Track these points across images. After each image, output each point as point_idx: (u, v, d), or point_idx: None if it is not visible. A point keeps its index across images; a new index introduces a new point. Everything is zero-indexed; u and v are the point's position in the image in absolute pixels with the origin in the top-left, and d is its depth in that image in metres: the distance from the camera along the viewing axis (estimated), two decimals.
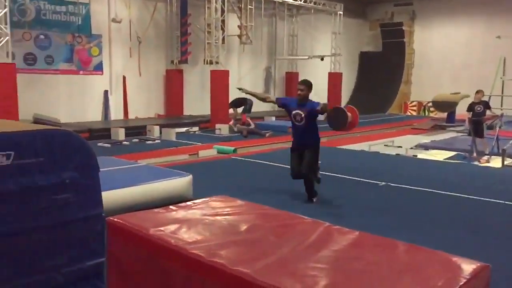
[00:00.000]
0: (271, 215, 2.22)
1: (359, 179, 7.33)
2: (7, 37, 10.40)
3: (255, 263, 1.60)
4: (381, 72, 22.56)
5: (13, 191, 2.79)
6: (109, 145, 10.40)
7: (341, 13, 18.45)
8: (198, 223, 2.03)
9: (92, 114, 13.85)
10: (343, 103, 18.97)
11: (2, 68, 10.27)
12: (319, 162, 5.89)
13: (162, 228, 1.90)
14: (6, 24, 10.44)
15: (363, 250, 1.89)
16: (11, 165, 2.78)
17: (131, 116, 14.67)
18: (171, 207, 2.35)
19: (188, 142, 11.20)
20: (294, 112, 5.42)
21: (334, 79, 18.70)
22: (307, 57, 18.47)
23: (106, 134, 11.66)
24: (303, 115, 5.35)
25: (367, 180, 7.24)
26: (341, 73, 18.87)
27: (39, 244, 2.92)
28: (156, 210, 2.32)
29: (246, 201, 2.42)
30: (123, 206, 4.69)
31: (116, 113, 14.39)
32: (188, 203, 2.42)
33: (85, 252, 3.14)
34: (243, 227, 2.01)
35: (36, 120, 11.03)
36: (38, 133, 2.98)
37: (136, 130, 12.48)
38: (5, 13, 10.42)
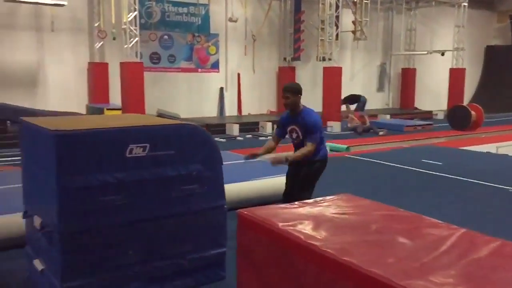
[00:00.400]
0: (401, 216, 2.11)
1: (483, 182, 6.76)
2: (137, 38, 11.28)
3: (391, 265, 1.53)
4: (510, 68, 20.61)
5: (147, 180, 3.01)
6: (224, 140, 10.82)
7: (466, 4, 17.16)
8: (326, 220, 2.00)
9: (209, 110, 14.52)
10: (465, 101, 17.67)
11: (132, 66, 11.18)
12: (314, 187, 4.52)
13: (291, 223, 1.91)
14: (135, 26, 11.33)
15: (508, 260, 1.71)
16: (146, 156, 2.99)
17: (244, 112, 15.11)
18: (296, 203, 2.36)
19: None
20: (289, 128, 4.30)
21: (456, 75, 17.48)
22: (425, 52, 17.50)
23: (222, 129, 12.14)
24: (299, 132, 4.19)
25: (492, 185, 6.65)
26: (464, 69, 17.58)
27: (167, 231, 3.12)
28: (282, 205, 2.34)
29: (372, 201, 2.34)
30: (239, 200, 4.84)
31: (230, 109, 14.93)
32: (312, 200, 2.40)
33: (208, 241, 3.30)
34: (373, 227, 1.93)
35: (159, 115, 11.82)
36: (170, 127, 3.17)
37: (249, 126, 12.81)
38: (135, 16, 11.31)
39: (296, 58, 15.59)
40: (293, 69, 15.68)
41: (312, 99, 15.66)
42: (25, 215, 3.29)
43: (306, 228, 1.84)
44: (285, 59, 15.68)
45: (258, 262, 1.97)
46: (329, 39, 13.95)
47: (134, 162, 2.96)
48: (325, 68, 14.08)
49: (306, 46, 15.64)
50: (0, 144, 9.21)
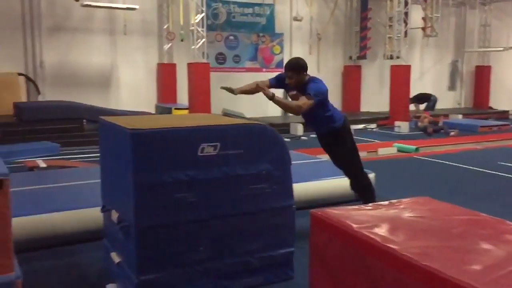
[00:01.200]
0: (483, 221, 2.00)
1: None
2: (204, 39, 11.54)
3: (478, 273, 1.45)
4: None
5: (218, 179, 3.06)
6: (288, 140, 10.81)
7: None
8: (403, 223, 1.94)
9: (273, 110, 14.53)
10: None
11: (199, 67, 11.44)
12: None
13: (366, 226, 1.86)
14: (203, 27, 11.58)
15: None
16: (217, 155, 3.05)
17: None
18: (369, 205, 2.30)
19: (366, 139, 10.99)
20: (291, 93, 3.98)
21: None
22: (501, 48, 16.54)
23: (286, 129, 12.14)
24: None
25: None
26: None
27: (237, 229, 3.15)
28: (355, 206, 2.30)
29: (451, 204, 2.23)
30: (306, 200, 4.81)
31: None
32: (386, 202, 2.34)
33: (277, 240, 3.30)
34: (454, 231, 1.85)
35: (225, 114, 12.01)
36: (240, 127, 3.21)
37: None
38: (202, 17, 11.57)
39: (362, 57, 15.28)
40: (359, 68, 15.38)
41: (379, 99, 15.35)
42: (103, 209, 3.46)
43: (382, 231, 1.79)
44: (350, 57, 15.41)
45: (332, 264, 1.94)
46: (397, 36, 13.54)
47: (205, 160, 3.02)
48: (392, 67, 13.68)
49: (373, 44, 15.27)
50: (77, 141, 9.73)
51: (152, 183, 2.90)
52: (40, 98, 11.60)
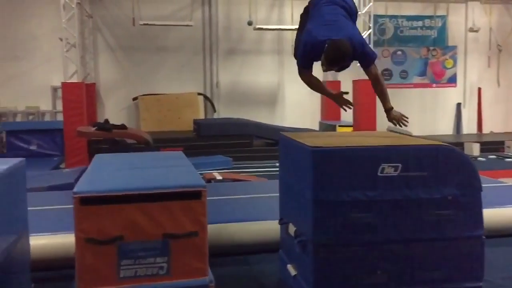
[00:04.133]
0: None
1: None
2: None
3: None
4: None
5: (398, 201, 2.93)
6: None
7: None
8: None
9: (444, 128, 13.62)
10: None
11: (364, 84, 11.19)
12: None
13: None
14: (369, 43, 11.42)
15: None
16: (398, 176, 2.93)
17: (485, 130, 13.68)
18: None
19: None
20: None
21: None
22: None
23: (459, 148, 11.22)
24: None
25: None
26: None
27: (417, 255, 2.97)
28: None
29: None
30: (490, 228, 4.34)
31: (468, 127, 13.70)
32: None
33: (462, 272, 3.02)
34: None
35: (391, 132, 11.60)
36: (423, 148, 3.04)
37: (492, 145, 11.52)
38: (369, 33, 11.41)
39: None
40: None
41: None
42: (281, 222, 3.57)
43: None
44: None
45: None
46: None
47: (385, 181, 2.92)
48: None
49: None
50: (247, 156, 10.35)
51: (330, 201, 2.90)
52: (215, 116, 12.67)
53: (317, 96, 13.25)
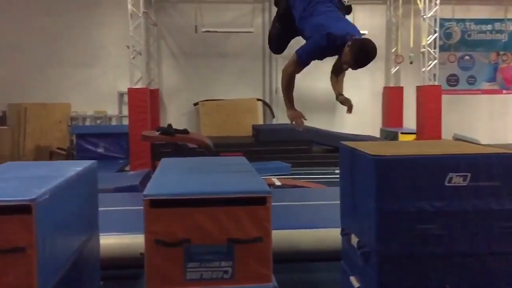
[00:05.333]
0: None
1: None
2: (435, 61, 10.99)
3: None
4: None
5: (467, 212, 2.82)
6: None
7: None
8: None
9: None
10: None
11: (429, 90, 10.93)
12: None
13: None
14: (434, 48, 11.06)
15: None
16: (467, 186, 2.82)
17: None
18: None
19: None
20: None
21: None
22: None
23: None
24: None
25: None
26: None
27: (488, 269, 2.85)
28: None
29: None
30: None
31: None
32: None
33: None
34: None
35: (456, 140, 11.17)
36: (494, 156, 2.91)
37: None
38: (435, 38, 11.05)
39: None
40: None
41: None
42: (342, 232, 3.54)
43: None
44: None
45: None
46: None
47: (453, 191, 2.82)
48: None
49: None
50: (305, 162, 10.31)
51: (395, 212, 2.84)
52: (274, 121, 12.72)
53: (378, 102, 13.01)
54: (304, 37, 3.29)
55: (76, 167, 3.17)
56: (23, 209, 2.21)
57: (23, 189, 2.43)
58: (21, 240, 2.20)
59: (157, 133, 8.01)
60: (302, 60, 3.09)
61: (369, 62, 3.03)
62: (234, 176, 2.91)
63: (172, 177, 2.89)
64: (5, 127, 11.69)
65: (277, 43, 3.58)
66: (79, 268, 3.04)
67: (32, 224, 2.21)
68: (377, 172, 2.85)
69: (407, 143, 4.18)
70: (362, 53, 2.96)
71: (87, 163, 3.38)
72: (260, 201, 2.44)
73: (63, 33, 11.95)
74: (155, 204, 2.37)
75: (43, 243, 2.29)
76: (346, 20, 3.16)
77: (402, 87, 12.66)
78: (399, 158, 2.91)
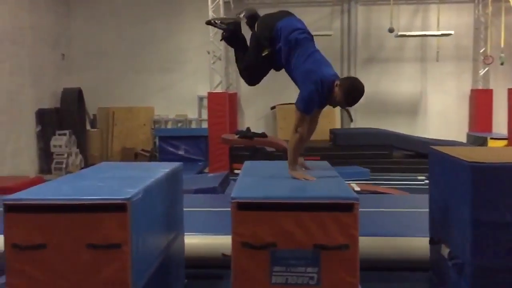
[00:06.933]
0: None
1: None
2: None
3: None
4: None
5: None
6: None
7: None
8: None
9: None
10: None
11: None
12: None
13: None
14: None
15: None
16: None
17: None
18: None
19: None
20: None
21: None
22: None
23: None
24: None
25: None
26: None
27: None
28: None
29: None
30: None
31: None
32: None
33: None
34: None
35: None
36: None
37: None
38: None
39: None
40: None
41: None
42: (432, 242, 3.36)
43: None
44: None
45: None
46: None
47: None
48: None
49: None
50: (385, 168, 9.99)
51: (492, 222, 2.67)
52: (352, 125, 12.47)
53: (464, 106, 12.32)
54: (291, 75, 3.36)
55: (164, 168, 3.28)
56: (118, 208, 2.32)
57: (118, 189, 2.55)
58: (117, 237, 2.30)
59: (236, 137, 8.12)
60: (307, 112, 3.11)
61: (359, 100, 3.09)
62: (319, 181, 2.86)
63: (258, 180, 2.90)
64: (95, 130, 12.47)
65: (257, 74, 3.48)
66: (167, 266, 3.15)
67: (127, 221, 2.31)
68: (474, 180, 2.69)
69: (501, 150, 3.90)
70: (354, 91, 3.03)
71: (173, 165, 3.49)
72: (347, 207, 2.38)
73: (147, 41, 12.52)
74: (242, 206, 2.38)
75: (136, 240, 2.38)
76: (329, 62, 3.24)
77: (491, 90, 11.89)
78: (498, 165, 2.72)
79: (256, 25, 3.39)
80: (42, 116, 10.63)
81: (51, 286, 2.33)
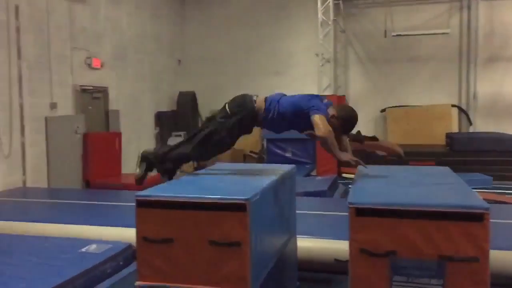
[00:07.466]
0: None
1: None
2: None
3: None
4: None
5: None
6: None
7: None
8: None
9: None
10: None
11: None
12: None
13: None
14: None
15: None
16: None
17: None
18: None
19: None
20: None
21: None
22: None
23: None
24: None
25: None
26: None
27: None
28: None
29: None
30: None
31: None
32: None
33: None
34: None
35: None
36: None
37: None
38: None
39: None
40: None
41: None
42: None
43: None
44: None
45: None
46: None
47: None
48: None
49: None
50: (510, 176, 9.18)
51: None
52: (471, 129, 11.63)
53: None
54: (279, 128, 3.66)
55: (279, 170, 3.32)
56: (238, 207, 2.39)
57: (237, 189, 2.63)
58: (237, 235, 2.38)
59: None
60: (326, 113, 3.23)
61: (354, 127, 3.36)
62: (443, 188, 2.70)
63: (375, 185, 2.81)
64: None
65: (219, 149, 3.47)
66: (281, 266, 3.18)
67: (246, 221, 2.37)
68: None
69: None
70: (354, 119, 3.36)
71: (288, 167, 3.53)
72: (476, 217, 2.21)
73: (256, 45, 12.84)
74: (361, 212, 2.33)
75: (255, 239, 2.44)
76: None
77: None
78: None
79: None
80: (160, 118, 11.40)
81: (176, 279, 2.47)
